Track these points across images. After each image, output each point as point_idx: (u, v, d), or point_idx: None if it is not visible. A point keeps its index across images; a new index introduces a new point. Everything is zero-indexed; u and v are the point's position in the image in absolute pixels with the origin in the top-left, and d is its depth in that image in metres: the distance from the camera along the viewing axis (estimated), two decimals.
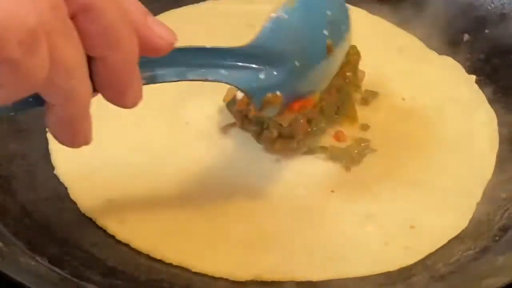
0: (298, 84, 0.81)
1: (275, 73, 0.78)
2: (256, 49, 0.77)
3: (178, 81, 0.73)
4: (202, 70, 0.74)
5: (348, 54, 0.94)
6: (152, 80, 0.69)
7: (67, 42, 0.54)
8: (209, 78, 0.75)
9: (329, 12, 0.82)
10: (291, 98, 0.81)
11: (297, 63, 0.79)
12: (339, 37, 0.84)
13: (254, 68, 0.77)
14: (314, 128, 0.94)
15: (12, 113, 0.75)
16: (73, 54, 0.55)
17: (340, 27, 0.84)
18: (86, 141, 0.63)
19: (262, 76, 0.77)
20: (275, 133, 0.91)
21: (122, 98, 0.62)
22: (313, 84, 0.84)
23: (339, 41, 0.83)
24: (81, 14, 0.55)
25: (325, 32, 0.81)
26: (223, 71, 0.75)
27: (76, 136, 0.61)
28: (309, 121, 0.92)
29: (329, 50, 0.82)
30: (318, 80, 0.84)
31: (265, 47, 0.77)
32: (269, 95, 0.78)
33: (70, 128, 0.60)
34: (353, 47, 0.97)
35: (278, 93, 0.79)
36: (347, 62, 0.96)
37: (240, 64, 0.76)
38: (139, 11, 0.61)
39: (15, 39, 0.50)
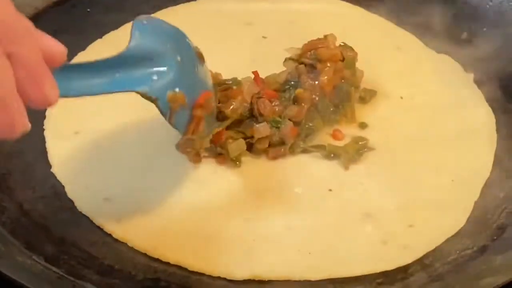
0: (190, 78, 0.84)
1: (164, 70, 0.80)
2: (136, 50, 0.79)
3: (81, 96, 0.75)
4: (99, 82, 0.76)
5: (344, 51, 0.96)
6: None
7: None
8: (110, 90, 0.77)
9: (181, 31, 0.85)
10: (192, 94, 0.83)
11: (178, 58, 0.82)
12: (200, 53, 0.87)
13: (144, 70, 0.79)
14: (307, 126, 0.94)
15: None
16: None
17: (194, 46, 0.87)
18: (24, 125, 0.64)
19: (154, 77, 0.80)
20: (266, 144, 0.92)
21: (41, 92, 0.64)
22: (203, 81, 0.87)
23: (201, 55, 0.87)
24: None
25: (187, 41, 0.85)
26: (120, 81, 0.77)
27: (12, 119, 0.62)
28: (296, 124, 0.93)
29: (200, 57, 0.86)
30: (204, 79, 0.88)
31: (143, 46, 0.80)
32: (170, 93, 0.81)
33: (3, 111, 0.62)
34: (346, 46, 0.98)
35: (177, 89, 0.81)
36: (343, 60, 0.96)
37: (130, 68, 0.78)
38: (29, 22, 0.64)
39: None
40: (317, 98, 0.94)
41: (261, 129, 0.91)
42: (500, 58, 1.04)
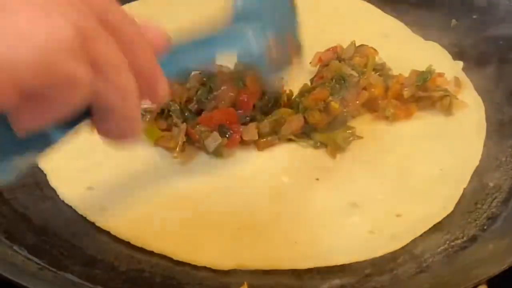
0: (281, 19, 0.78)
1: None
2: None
3: None
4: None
5: None
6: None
7: (106, 44, 0.56)
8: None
9: None
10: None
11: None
12: None
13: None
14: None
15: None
16: (114, 53, 0.56)
17: None
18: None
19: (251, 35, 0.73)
20: (255, 136, 0.90)
21: (155, 91, 0.62)
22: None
23: None
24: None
25: None
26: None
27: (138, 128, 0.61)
28: None
29: None
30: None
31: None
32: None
33: (132, 126, 0.61)
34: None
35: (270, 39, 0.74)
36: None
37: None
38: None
39: (65, 54, 0.52)
40: None
41: (250, 130, 0.90)
42: (489, 46, 1.03)
